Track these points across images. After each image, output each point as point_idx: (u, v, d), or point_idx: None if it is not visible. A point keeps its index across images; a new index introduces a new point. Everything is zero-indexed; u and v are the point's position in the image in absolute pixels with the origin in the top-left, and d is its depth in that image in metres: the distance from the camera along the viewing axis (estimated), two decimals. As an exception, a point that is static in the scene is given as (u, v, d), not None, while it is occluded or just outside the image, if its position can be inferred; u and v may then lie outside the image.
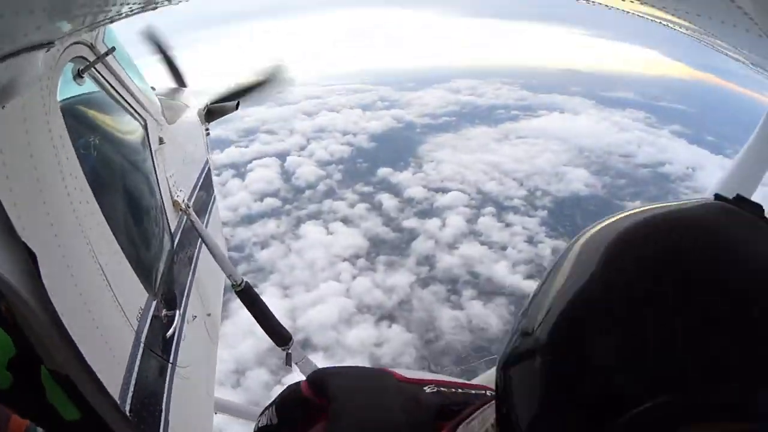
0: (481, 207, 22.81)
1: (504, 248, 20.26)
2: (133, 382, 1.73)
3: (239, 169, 25.79)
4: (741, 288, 0.52)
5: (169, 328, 2.20)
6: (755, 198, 0.57)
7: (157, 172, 2.68)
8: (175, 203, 2.89)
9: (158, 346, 2.08)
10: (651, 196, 24.44)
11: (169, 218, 2.74)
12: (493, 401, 0.78)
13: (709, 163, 27.70)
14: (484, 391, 1.02)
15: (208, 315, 3.22)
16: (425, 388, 1.00)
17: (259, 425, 1.20)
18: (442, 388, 1.01)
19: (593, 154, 27.78)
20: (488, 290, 18.53)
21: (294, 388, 1.13)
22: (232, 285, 3.23)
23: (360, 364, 1.44)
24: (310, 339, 16.88)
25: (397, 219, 22.31)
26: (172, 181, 2.93)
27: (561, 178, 25.09)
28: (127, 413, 1.59)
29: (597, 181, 25.51)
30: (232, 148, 27.54)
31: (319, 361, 14.34)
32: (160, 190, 2.69)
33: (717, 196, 0.62)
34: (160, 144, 2.81)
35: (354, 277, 18.84)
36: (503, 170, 25.61)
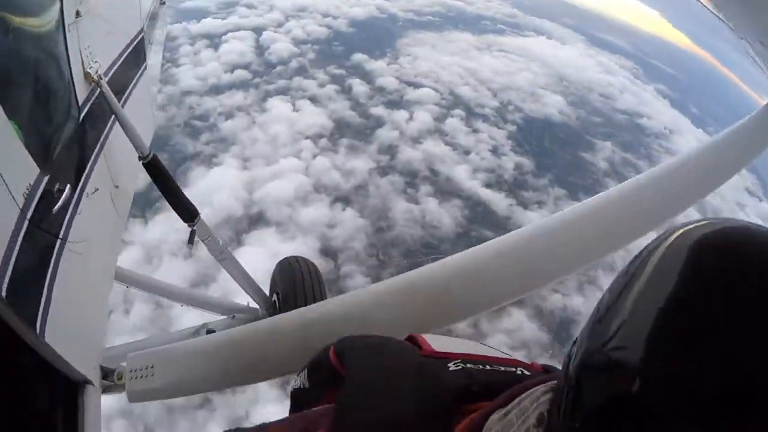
0: (451, 108, 22.37)
1: (468, 153, 20.08)
2: (13, 260, 1.63)
3: (213, 40, 24.70)
4: None
5: (63, 203, 2.08)
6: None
7: (68, 45, 2.48)
8: (87, 75, 2.72)
9: (47, 222, 1.96)
10: (623, 142, 24.42)
11: (77, 91, 2.57)
12: (533, 391, 0.77)
13: (687, 131, 27.61)
14: (514, 368, 0.98)
15: (116, 187, 3.04)
16: (450, 364, 0.95)
17: (294, 386, 1.26)
18: (468, 365, 0.97)
19: (573, 86, 27.39)
20: (446, 190, 18.46)
21: (324, 355, 1.11)
22: (139, 157, 3.11)
23: (383, 335, 1.17)
24: (264, 213, 16.68)
25: (365, 105, 21.73)
26: (87, 53, 2.75)
27: (537, 99, 24.73)
28: (3, 292, 1.53)
29: (572, 111, 25.23)
30: (209, 19, 26.32)
31: (271, 237, 14.04)
32: (69, 63, 2.50)
33: None
34: (76, 17, 2.60)
35: (314, 156, 18.49)
36: (479, 78, 25.05)
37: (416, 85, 23.64)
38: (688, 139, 26.41)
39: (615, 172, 22.43)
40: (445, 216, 17.59)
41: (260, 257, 15.49)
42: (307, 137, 19.29)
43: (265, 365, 2.29)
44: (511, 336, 15.42)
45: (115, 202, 3.01)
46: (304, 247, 15.87)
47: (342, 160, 18.60)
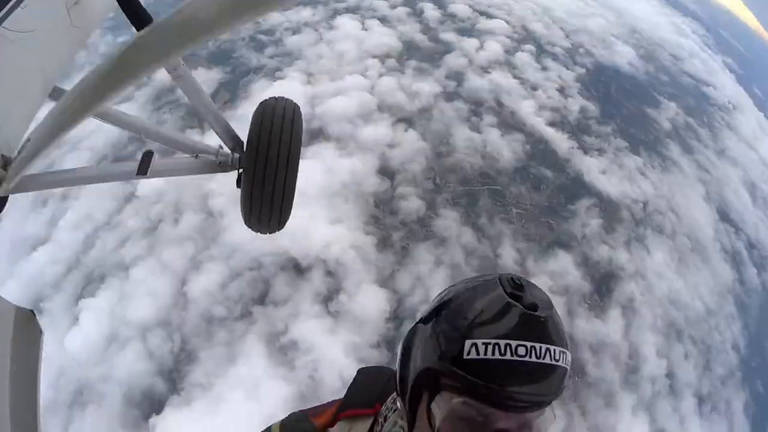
0: (522, 42, 21.81)
1: (535, 88, 19.66)
2: None
3: (281, -46, 24.13)
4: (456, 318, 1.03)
5: None
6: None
7: None
8: None
9: None
10: (688, 106, 23.60)
11: None
12: None
13: (749, 110, 26.62)
14: None
15: (76, 2, 2.75)
16: None
17: None
18: None
19: (644, 40, 26.41)
20: (509, 123, 18.19)
21: None
22: None
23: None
24: (325, 128, 16.71)
25: (435, 30, 21.35)
26: None
27: (608, 46, 23.92)
28: None
29: (642, 65, 24.43)
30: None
31: (330, 152, 14.08)
32: None
33: (499, 276, 1.04)
34: None
35: (380, 76, 18.35)
36: (553, 16, 24.30)
37: (489, 15, 22.96)
38: (749, 119, 25.45)
39: (677, 134, 21.80)
40: (505, 149, 17.41)
41: (317, 172, 15.66)
42: (374, 56, 19.08)
43: None
44: (554, 279, 15.41)
45: (72, 14, 2.95)
46: (361, 165, 15.92)
47: (408, 81, 18.37)
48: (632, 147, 19.96)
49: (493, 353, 0.95)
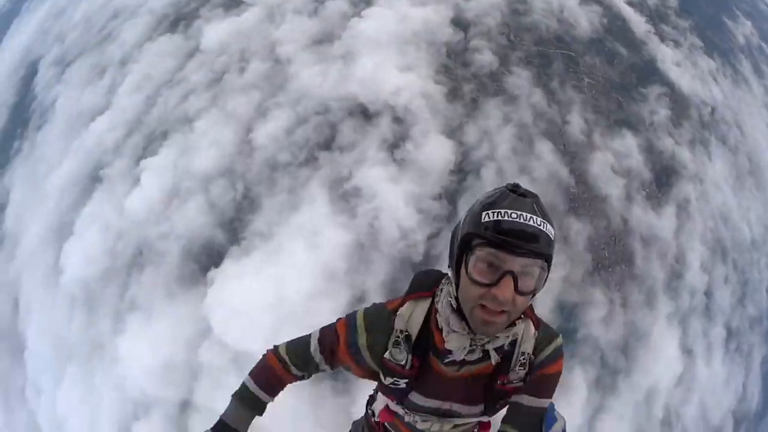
0: None
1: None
2: None
3: None
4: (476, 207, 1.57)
5: None
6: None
7: None
8: None
9: None
10: (762, 30, 22.44)
11: None
12: None
13: None
14: None
15: None
16: None
17: None
18: None
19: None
20: (588, -7, 17.76)
21: None
22: None
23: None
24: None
25: None
26: None
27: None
28: None
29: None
30: None
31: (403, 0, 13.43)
32: None
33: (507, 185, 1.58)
34: None
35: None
36: None
37: None
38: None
39: (750, 53, 21.05)
40: (583, 18, 17.00)
41: (389, 19, 15.52)
42: None
43: None
44: (618, 159, 15.09)
45: None
46: (434, 15, 15.72)
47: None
48: (707, 49, 19.28)
49: (497, 217, 1.48)
